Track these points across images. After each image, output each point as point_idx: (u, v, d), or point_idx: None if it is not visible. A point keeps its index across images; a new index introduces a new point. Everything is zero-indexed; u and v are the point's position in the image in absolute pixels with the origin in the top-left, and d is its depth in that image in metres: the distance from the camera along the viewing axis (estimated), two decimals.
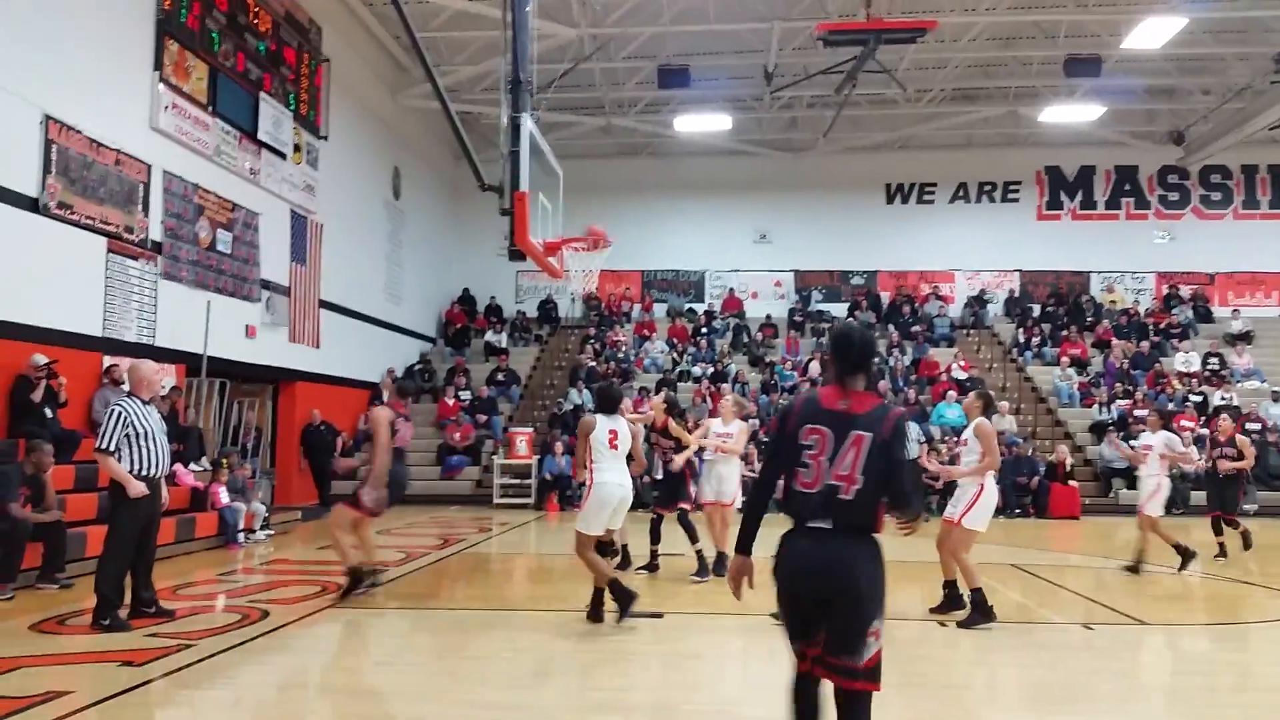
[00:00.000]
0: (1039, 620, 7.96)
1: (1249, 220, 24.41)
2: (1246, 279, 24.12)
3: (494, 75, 19.18)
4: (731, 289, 25.01)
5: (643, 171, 25.16)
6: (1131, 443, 13.42)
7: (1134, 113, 22.92)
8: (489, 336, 23.62)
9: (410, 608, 8.09)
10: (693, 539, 9.46)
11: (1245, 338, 22.38)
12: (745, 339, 23.37)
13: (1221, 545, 11.48)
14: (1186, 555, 10.09)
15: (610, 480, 7.07)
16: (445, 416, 19.65)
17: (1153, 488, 10.33)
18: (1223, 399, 19.78)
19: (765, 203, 25.08)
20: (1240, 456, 11.49)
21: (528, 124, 10.90)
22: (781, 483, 3.55)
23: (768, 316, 24.10)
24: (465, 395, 20.46)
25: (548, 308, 24.80)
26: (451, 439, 18.92)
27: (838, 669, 3.32)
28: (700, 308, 24.82)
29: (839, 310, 24.35)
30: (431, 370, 21.86)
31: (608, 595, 7.04)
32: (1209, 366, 21.19)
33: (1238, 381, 20.75)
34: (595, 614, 7.10)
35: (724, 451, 9.37)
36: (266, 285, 15.79)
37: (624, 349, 22.58)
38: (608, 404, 7.37)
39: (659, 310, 24.91)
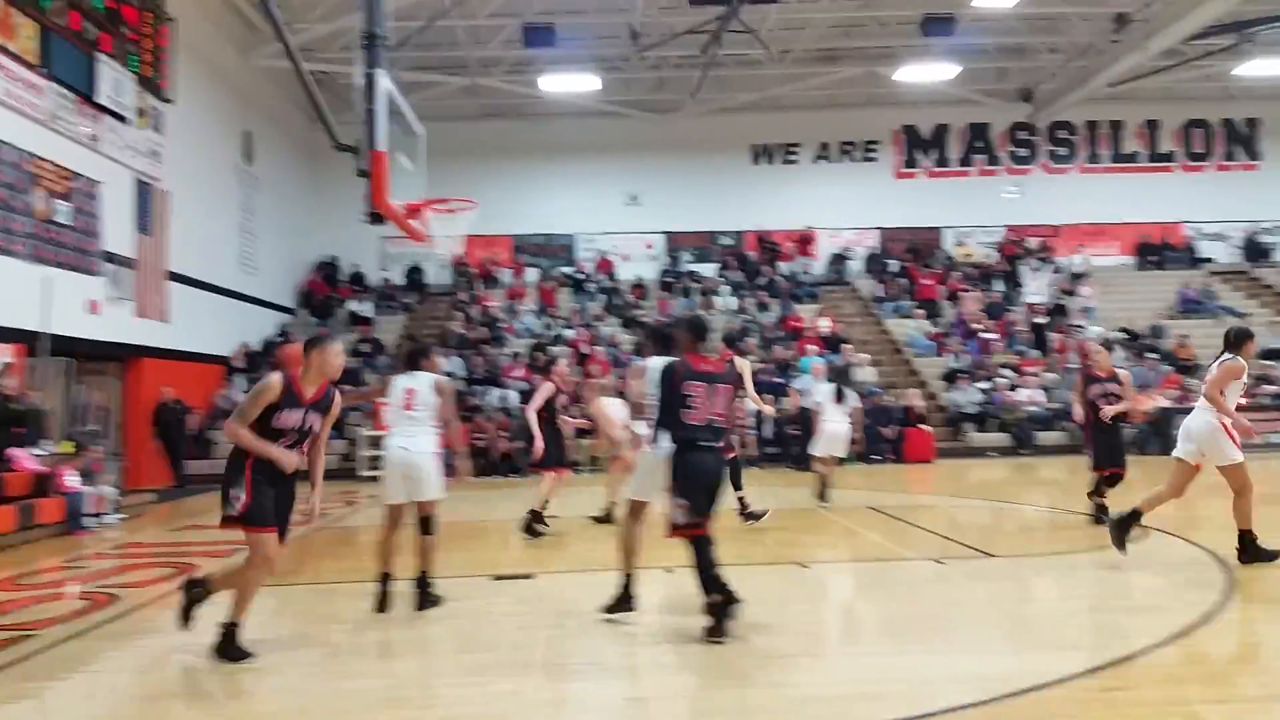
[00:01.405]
0: (895, 558, 8.33)
1: (1092, 174, 25.76)
2: (1091, 230, 25.48)
3: (351, 33, 18.50)
4: (603, 252, 24.99)
5: (511, 133, 24.80)
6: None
7: (986, 71, 23.80)
8: (352, 305, 22.98)
9: (273, 584, 7.87)
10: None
11: (1084, 277, 23.77)
12: (617, 301, 23.43)
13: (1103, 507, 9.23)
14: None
15: (394, 444, 6.45)
16: None
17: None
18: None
19: (635, 164, 25.08)
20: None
21: (384, 81, 10.59)
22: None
23: (638, 278, 24.21)
24: None
25: (415, 275, 24.29)
26: None
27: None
28: (568, 270, 24.70)
29: (708, 271, 24.64)
30: (290, 342, 21.14)
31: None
32: (1057, 298, 22.68)
33: (1082, 325, 22.01)
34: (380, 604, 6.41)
35: None
36: (110, 258, 14.95)
37: (495, 314, 22.34)
38: (410, 360, 6.75)
39: (531, 275, 24.71)
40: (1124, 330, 21.35)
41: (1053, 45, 22.52)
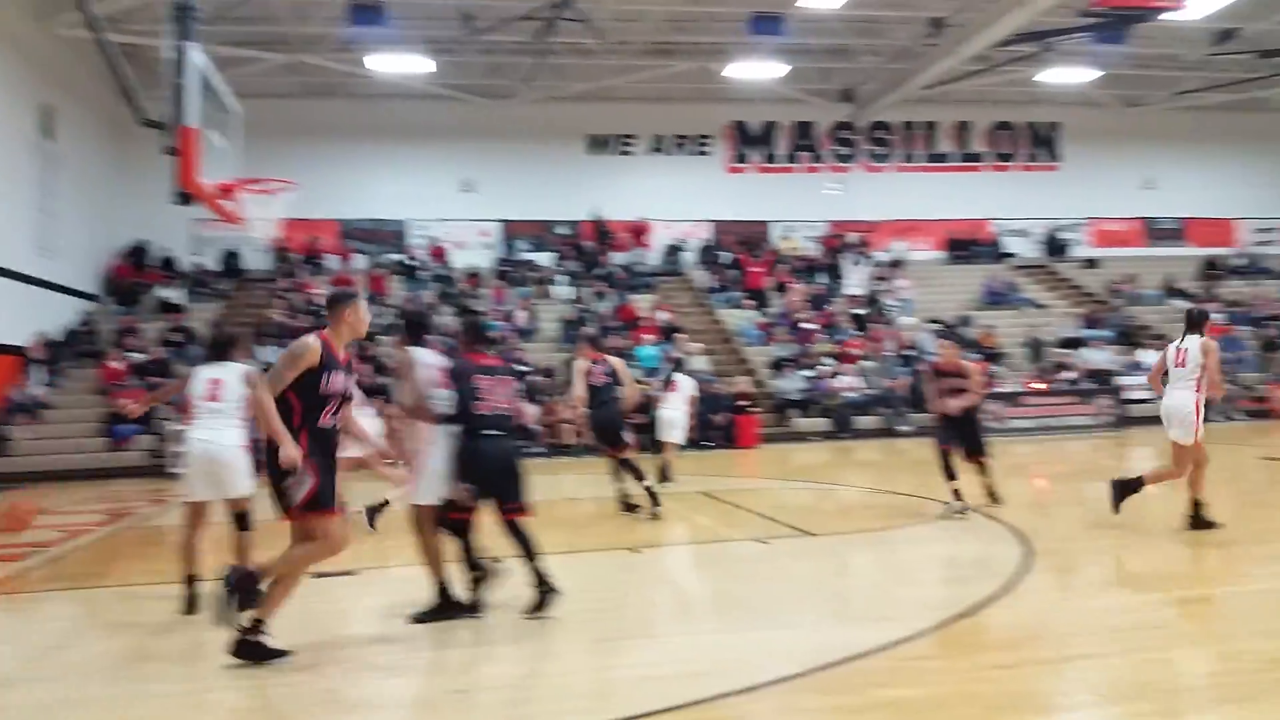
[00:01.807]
0: (723, 540, 8.53)
1: (908, 172, 27.06)
2: (906, 225, 26.78)
3: (162, 4, 17.35)
4: (436, 239, 24.45)
5: (338, 113, 23.89)
6: None
7: (811, 71, 24.59)
8: (162, 292, 21.59)
9: (75, 588, 7.35)
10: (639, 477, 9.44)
11: (898, 265, 25.04)
12: (451, 290, 22.98)
13: (991, 492, 9.34)
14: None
15: (195, 437, 6.08)
16: (111, 381, 17.76)
17: None
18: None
19: (470, 150, 24.65)
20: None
21: (195, 54, 9.99)
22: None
23: (473, 267, 23.83)
24: (138, 357, 18.60)
25: (232, 260, 23.07)
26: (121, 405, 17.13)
27: (514, 510, 5.74)
28: (399, 257, 24.00)
29: (545, 260, 24.50)
30: (94, 331, 19.74)
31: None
32: (875, 290, 23.81)
33: (898, 313, 23.14)
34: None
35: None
36: None
37: (319, 302, 21.50)
38: (216, 349, 6.43)
39: (360, 261, 23.87)
40: (934, 320, 22.58)
41: (873, 47, 23.46)
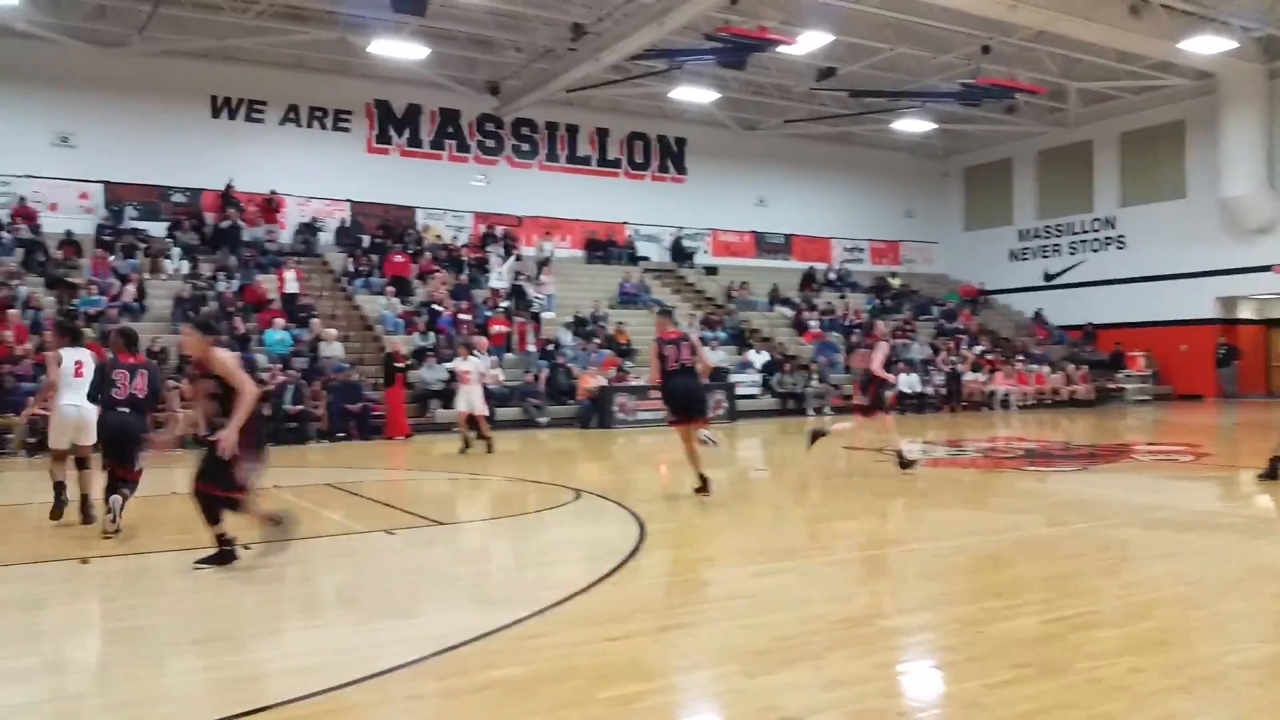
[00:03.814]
0: (348, 532, 8.20)
1: (551, 171, 27.78)
2: (549, 223, 27.49)
3: None
4: (23, 198, 21.30)
5: None
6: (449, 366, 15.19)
7: (457, 59, 24.45)
8: None
9: None
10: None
11: (546, 263, 25.54)
12: (41, 258, 20.14)
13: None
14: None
15: None
16: None
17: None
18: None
19: (68, 101, 21.77)
20: None
21: None
22: None
23: (68, 233, 21.04)
24: None
25: None
26: None
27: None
28: None
29: (158, 230, 22.23)
30: None
31: None
32: (517, 282, 23.98)
33: (541, 309, 23.61)
34: None
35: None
36: None
37: None
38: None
39: None
40: (577, 318, 23.37)
41: (516, 43, 23.73)
